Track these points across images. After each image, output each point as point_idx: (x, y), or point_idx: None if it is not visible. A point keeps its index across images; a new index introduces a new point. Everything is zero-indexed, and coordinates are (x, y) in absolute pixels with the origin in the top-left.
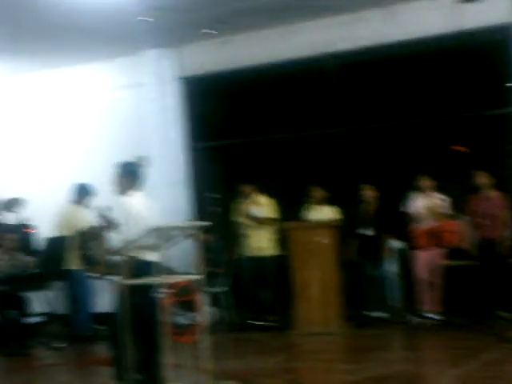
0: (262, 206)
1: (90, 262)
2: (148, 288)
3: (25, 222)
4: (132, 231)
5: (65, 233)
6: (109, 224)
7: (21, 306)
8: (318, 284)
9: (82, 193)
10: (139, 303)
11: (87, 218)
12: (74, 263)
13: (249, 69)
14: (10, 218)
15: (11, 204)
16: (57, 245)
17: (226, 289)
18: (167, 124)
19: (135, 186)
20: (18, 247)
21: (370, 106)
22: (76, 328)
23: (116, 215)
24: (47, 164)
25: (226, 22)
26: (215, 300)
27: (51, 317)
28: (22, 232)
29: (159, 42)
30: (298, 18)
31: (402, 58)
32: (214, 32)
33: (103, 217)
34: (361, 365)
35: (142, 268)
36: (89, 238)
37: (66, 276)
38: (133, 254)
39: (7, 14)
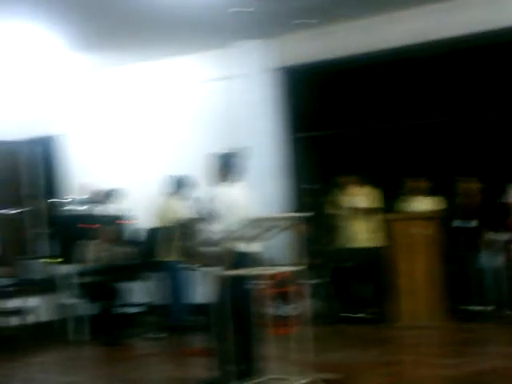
0: (361, 196)
1: (187, 253)
2: (249, 279)
3: (123, 214)
4: (231, 222)
5: (162, 224)
6: (207, 215)
7: (119, 296)
8: (420, 276)
9: (180, 184)
10: (238, 294)
11: (184, 209)
12: (171, 255)
13: (346, 59)
14: (109, 210)
15: (110, 195)
16: (155, 236)
17: (324, 280)
18: (263, 115)
19: (234, 177)
20: (116, 238)
21: (471, 95)
22: (173, 319)
23: (214, 206)
24: (144, 156)
25: (323, 12)
26: (313, 292)
27: (149, 307)
28: (120, 223)
29: (255, 32)
30: (397, 7)
31: (504, 44)
32: (311, 21)
33: (201, 208)
34: (461, 359)
35: (241, 259)
36: (186, 230)
37: (164, 267)
38: (232, 244)
39: (101, 7)
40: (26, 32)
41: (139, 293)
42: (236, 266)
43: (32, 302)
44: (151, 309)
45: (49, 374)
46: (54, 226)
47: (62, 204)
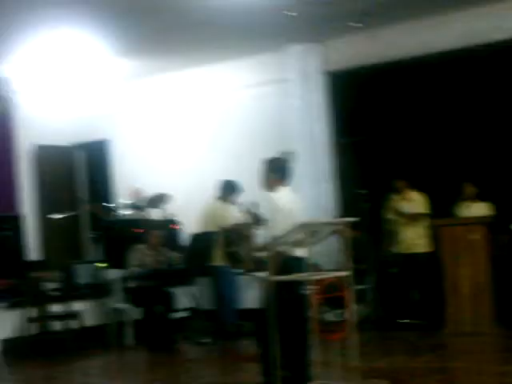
0: (413, 201)
1: (235, 258)
2: (295, 284)
3: (170, 218)
4: (279, 227)
5: (210, 229)
6: (255, 220)
7: (167, 301)
8: (469, 282)
9: (228, 189)
10: (286, 299)
11: (233, 214)
12: (219, 259)
13: (395, 62)
14: (156, 215)
15: (157, 200)
16: (202, 241)
17: (371, 286)
18: (312, 119)
19: (282, 182)
20: (163, 243)
21: None
22: (221, 324)
23: (263, 211)
24: (192, 160)
25: (373, 15)
26: (360, 297)
27: (196, 312)
28: (167, 228)
29: (304, 36)
30: (443, 10)
31: None
32: (359, 25)
33: (249, 213)
34: None
35: (290, 264)
36: (234, 235)
37: (212, 272)
38: (280, 249)
39: (149, 11)
40: (73, 38)
41: (186, 298)
42: (284, 271)
43: (78, 306)
44: (198, 314)
45: (94, 379)
46: (102, 231)
47: (112, 208)
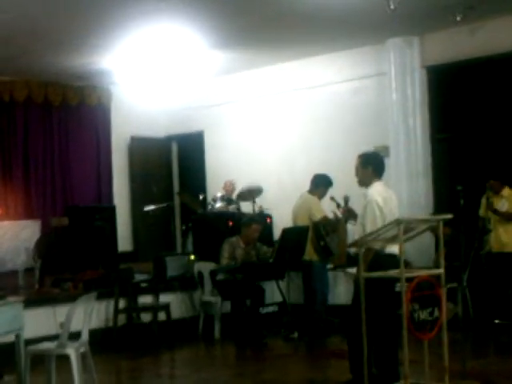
0: (510, 200)
1: (326, 252)
2: (387, 282)
3: (262, 211)
4: (373, 223)
5: (302, 223)
6: (348, 215)
7: (256, 295)
8: None
9: (320, 183)
10: (377, 297)
11: (323, 208)
12: (310, 254)
13: (495, 57)
14: (248, 208)
15: (249, 193)
16: (293, 235)
17: (464, 284)
18: (408, 114)
19: (378, 177)
20: (254, 237)
21: None
22: (310, 319)
23: (356, 206)
24: (285, 154)
25: (475, 8)
26: (453, 296)
27: (285, 307)
28: (258, 222)
29: (403, 30)
30: None
31: None
32: (460, 19)
33: (341, 207)
34: None
35: (382, 261)
36: (325, 228)
37: (303, 266)
38: (373, 245)
39: (246, 4)
40: (171, 32)
41: (274, 292)
42: (376, 268)
43: (167, 298)
44: (287, 309)
45: (181, 371)
46: (194, 223)
47: (204, 200)
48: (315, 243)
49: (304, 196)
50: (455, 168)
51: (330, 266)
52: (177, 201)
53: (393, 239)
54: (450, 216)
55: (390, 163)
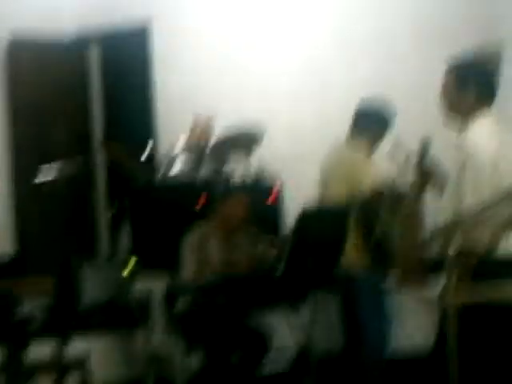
0: None
1: (382, 255)
2: (508, 311)
3: (261, 178)
4: (476, 191)
5: (337, 200)
6: (425, 179)
7: (256, 340)
8: None
9: (369, 122)
10: (488, 338)
11: (377, 168)
12: (353, 258)
13: None
14: (236, 173)
15: (236, 143)
16: (320, 223)
17: None
18: None
19: (486, 107)
20: (248, 222)
21: None
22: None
23: (444, 164)
24: (299, 70)
25: None
26: None
27: (308, 362)
28: (256, 196)
29: None
30: None
31: None
32: None
33: (413, 166)
34: None
35: (494, 269)
36: (381, 210)
37: (340, 283)
38: (479, 237)
39: None
40: None
41: (285, 333)
42: (479, 277)
43: (80, 348)
44: (308, 364)
45: None
46: (130, 199)
47: (152, 159)
48: (364, 237)
49: (340, 149)
50: None
51: (387, 276)
52: (99, 159)
53: (508, 225)
54: None
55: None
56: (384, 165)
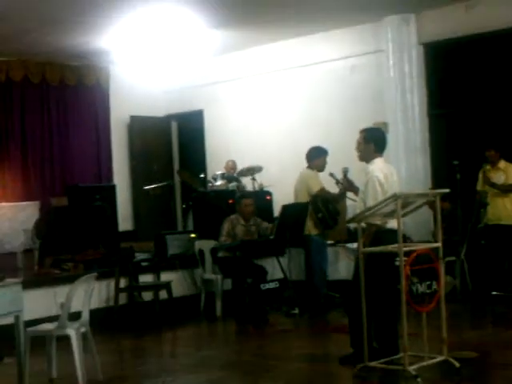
0: (506, 172)
1: (324, 225)
2: (386, 256)
3: (263, 188)
4: (375, 199)
5: (302, 199)
6: (347, 186)
7: (256, 272)
8: None
9: (314, 155)
10: (377, 271)
11: (321, 181)
12: (309, 228)
13: (491, 34)
14: (247, 186)
15: (249, 171)
16: (294, 211)
17: (462, 257)
18: (406, 90)
19: (379, 153)
20: (255, 212)
21: None
22: (311, 295)
23: (356, 181)
24: (286, 132)
25: None
26: (451, 269)
27: (286, 283)
28: (259, 198)
29: (400, 7)
30: None
31: None
32: None
33: (340, 180)
34: None
35: (381, 236)
36: (323, 202)
37: (303, 242)
38: (372, 221)
39: None
40: (169, 11)
41: (275, 268)
42: (375, 243)
43: (168, 276)
44: (287, 285)
45: (183, 349)
46: (194, 201)
47: (204, 179)
48: (313, 216)
49: (302, 172)
50: (453, 143)
51: (330, 241)
52: (177, 179)
53: (391, 214)
54: (447, 190)
55: (388, 139)
56: (329, 182)
